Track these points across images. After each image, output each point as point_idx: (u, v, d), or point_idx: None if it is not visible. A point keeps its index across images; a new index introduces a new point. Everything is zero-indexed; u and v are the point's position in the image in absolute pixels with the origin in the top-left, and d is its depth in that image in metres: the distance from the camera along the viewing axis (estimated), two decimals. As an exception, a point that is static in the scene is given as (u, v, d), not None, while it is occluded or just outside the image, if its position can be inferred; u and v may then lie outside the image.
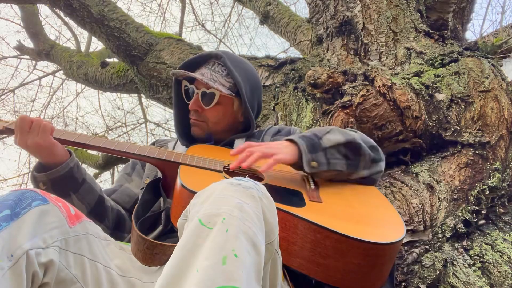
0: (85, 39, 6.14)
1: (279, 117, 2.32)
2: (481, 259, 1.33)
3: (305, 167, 1.12)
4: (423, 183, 1.63)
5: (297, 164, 1.15)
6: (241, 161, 1.07)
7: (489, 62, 1.89)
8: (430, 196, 1.58)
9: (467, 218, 1.47)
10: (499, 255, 1.33)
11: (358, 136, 1.24)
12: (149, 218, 1.18)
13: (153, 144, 1.54)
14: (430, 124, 1.77)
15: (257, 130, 1.47)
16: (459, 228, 1.45)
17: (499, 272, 1.28)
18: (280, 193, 1.08)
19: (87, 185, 1.22)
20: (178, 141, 1.48)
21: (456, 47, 2.09)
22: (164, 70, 3.03)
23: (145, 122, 7.46)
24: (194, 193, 0.85)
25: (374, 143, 1.27)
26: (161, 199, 1.24)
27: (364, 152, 1.21)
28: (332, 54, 2.49)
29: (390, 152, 1.80)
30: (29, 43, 5.25)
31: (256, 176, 1.20)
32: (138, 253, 1.00)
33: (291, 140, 1.17)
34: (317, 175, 1.18)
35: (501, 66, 2.03)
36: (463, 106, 1.79)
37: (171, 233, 1.17)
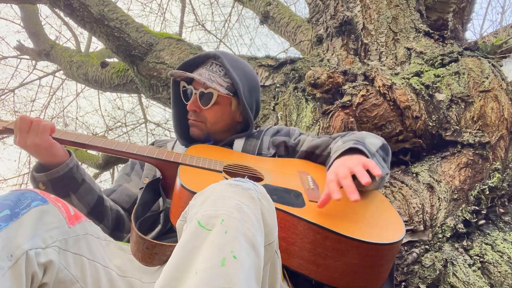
0: (85, 39, 6.15)
1: (279, 117, 2.32)
2: (481, 259, 1.33)
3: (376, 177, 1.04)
4: (423, 183, 1.63)
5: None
6: (351, 192, 0.96)
7: (489, 62, 1.89)
8: (430, 196, 1.58)
9: (467, 218, 1.47)
10: (499, 255, 1.33)
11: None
12: (149, 218, 1.18)
13: (152, 144, 1.54)
14: (430, 124, 1.77)
15: (256, 130, 1.47)
16: (459, 228, 1.45)
17: (499, 272, 1.28)
18: (280, 194, 1.08)
19: (86, 185, 1.22)
20: (177, 141, 1.48)
21: (456, 47, 2.09)
22: (164, 70, 3.03)
23: (145, 122, 7.47)
24: (194, 193, 0.85)
25: None
26: (161, 199, 1.24)
27: (390, 153, 1.21)
28: (332, 54, 2.49)
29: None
30: (29, 43, 5.26)
31: (255, 176, 1.20)
32: (138, 253, 1.00)
33: (353, 150, 1.11)
34: (369, 186, 1.09)
35: (501, 66, 2.03)
36: (463, 106, 1.79)
37: (170, 233, 1.17)
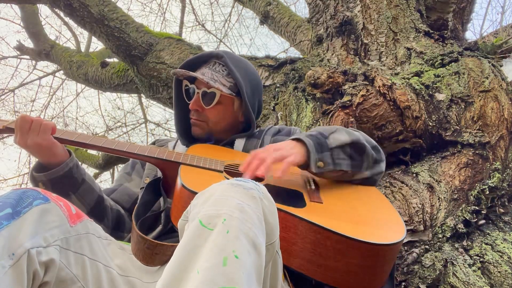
0: (85, 39, 6.15)
1: (279, 117, 2.32)
2: (481, 259, 1.33)
3: (312, 167, 1.11)
4: (423, 183, 1.63)
5: (304, 164, 1.13)
6: (254, 170, 1.05)
7: (489, 62, 1.89)
8: (430, 196, 1.58)
9: (467, 218, 1.47)
10: (499, 255, 1.33)
11: (361, 136, 1.24)
12: (149, 218, 1.18)
13: (153, 143, 1.54)
14: (430, 124, 1.77)
15: (257, 130, 1.47)
16: (459, 228, 1.45)
17: (499, 272, 1.28)
18: (281, 194, 1.08)
19: (86, 185, 1.22)
20: (179, 140, 1.48)
21: (456, 47, 2.09)
22: (164, 70, 3.03)
23: (145, 122, 7.46)
24: (195, 193, 0.85)
25: (375, 143, 1.27)
26: (161, 199, 1.24)
27: (368, 153, 1.21)
28: (332, 54, 2.49)
29: (390, 152, 1.80)
30: (29, 43, 5.26)
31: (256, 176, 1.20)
32: (138, 253, 1.00)
33: (298, 140, 1.16)
34: (321, 175, 1.17)
35: (501, 66, 2.03)
36: (463, 106, 1.79)
37: (171, 233, 1.17)
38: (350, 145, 1.19)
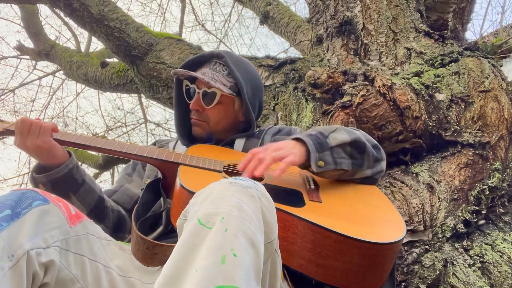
0: (85, 39, 6.14)
1: (279, 117, 2.32)
2: (481, 259, 1.33)
3: (313, 167, 1.11)
4: (423, 183, 1.63)
5: (304, 164, 1.13)
6: (252, 170, 1.04)
7: (489, 62, 1.89)
8: (430, 196, 1.58)
9: (467, 218, 1.47)
10: (499, 255, 1.33)
11: (361, 134, 1.24)
12: (149, 219, 1.18)
13: (154, 144, 1.54)
14: (430, 124, 1.77)
15: (257, 130, 1.47)
16: (459, 228, 1.45)
17: (499, 272, 1.28)
18: (280, 193, 1.08)
19: (86, 186, 1.22)
20: (179, 141, 1.48)
21: (456, 47, 2.09)
22: (164, 70, 3.03)
23: (145, 122, 7.46)
24: (193, 193, 0.85)
25: (376, 142, 1.27)
26: (161, 199, 1.24)
27: (368, 152, 1.20)
28: (332, 54, 2.49)
29: (390, 152, 1.80)
30: (29, 43, 5.26)
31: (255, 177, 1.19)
32: (138, 253, 1.00)
33: (298, 139, 1.15)
34: (321, 175, 1.17)
35: (501, 66, 2.03)
36: (463, 106, 1.79)
37: (171, 234, 1.17)
38: (351, 144, 1.18)
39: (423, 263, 1.36)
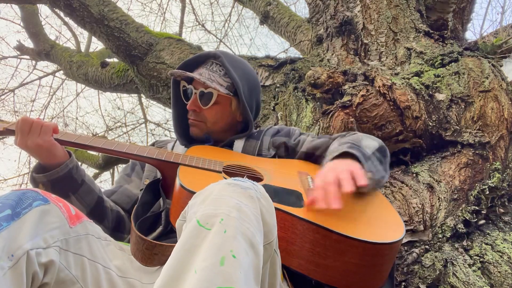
0: (85, 39, 6.14)
1: (279, 117, 2.32)
2: (481, 259, 1.33)
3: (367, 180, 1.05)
4: (423, 183, 1.63)
5: None
6: (334, 199, 0.96)
7: (489, 62, 1.89)
8: (430, 196, 1.58)
9: (467, 218, 1.47)
10: (499, 255, 1.33)
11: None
12: (148, 219, 1.18)
13: (153, 144, 1.54)
14: (430, 124, 1.77)
15: (256, 131, 1.47)
16: (459, 228, 1.45)
17: (499, 272, 1.28)
18: (279, 193, 1.08)
19: (86, 186, 1.22)
20: (177, 141, 1.48)
21: (456, 47, 2.09)
22: (164, 70, 3.03)
23: (145, 122, 7.46)
24: (193, 193, 0.85)
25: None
26: (161, 199, 1.24)
27: (388, 154, 1.21)
28: (332, 54, 2.49)
29: (390, 152, 1.79)
30: (29, 43, 5.26)
31: (255, 176, 1.20)
32: (137, 254, 1.00)
33: (347, 154, 1.11)
34: (363, 189, 1.09)
35: (501, 66, 2.03)
36: (463, 106, 1.79)
37: (171, 234, 1.17)
38: (378, 149, 1.18)
39: (423, 263, 1.36)
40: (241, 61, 1.45)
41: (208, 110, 1.37)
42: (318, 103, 1.95)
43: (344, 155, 1.12)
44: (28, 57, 5.77)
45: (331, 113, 1.80)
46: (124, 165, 1.62)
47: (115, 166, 6.00)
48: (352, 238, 0.93)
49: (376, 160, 1.16)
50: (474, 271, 1.31)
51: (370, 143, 1.18)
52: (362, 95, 1.75)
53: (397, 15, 2.37)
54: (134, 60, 3.14)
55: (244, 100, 1.35)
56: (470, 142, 1.70)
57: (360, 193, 1.19)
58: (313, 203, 0.98)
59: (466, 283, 1.27)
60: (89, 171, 5.97)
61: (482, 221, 1.49)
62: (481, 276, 1.29)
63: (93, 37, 5.03)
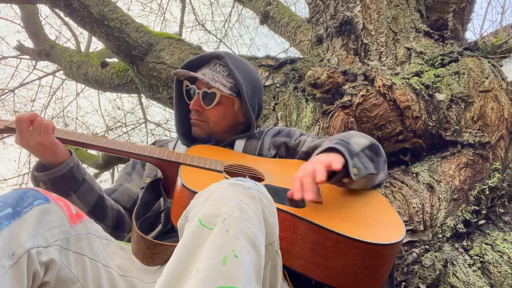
0: (85, 39, 6.15)
1: (279, 117, 2.32)
2: (481, 259, 1.34)
3: (351, 175, 1.06)
4: (423, 183, 1.63)
5: (340, 172, 1.07)
6: (307, 191, 0.97)
7: (489, 62, 1.89)
8: (430, 196, 1.58)
9: (467, 218, 1.47)
10: (499, 255, 1.33)
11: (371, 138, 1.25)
12: (149, 218, 1.18)
13: (154, 144, 1.54)
14: (430, 124, 1.77)
15: (257, 131, 1.47)
16: (459, 228, 1.45)
17: (499, 272, 1.28)
18: (281, 194, 1.08)
19: (87, 185, 1.22)
20: (179, 141, 1.48)
21: (456, 47, 2.09)
22: (164, 70, 3.03)
23: (145, 122, 7.46)
24: (195, 193, 0.85)
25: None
26: (161, 199, 1.24)
27: (382, 153, 1.21)
28: (332, 54, 2.49)
29: (390, 152, 1.80)
30: (29, 43, 5.25)
31: (256, 176, 1.20)
32: (138, 253, 1.00)
33: (330, 149, 1.12)
34: (352, 184, 1.12)
35: (501, 66, 2.03)
36: (463, 106, 1.79)
37: (171, 233, 1.17)
38: (369, 147, 1.18)
39: (423, 263, 1.36)
40: (244, 63, 1.45)
41: (210, 110, 1.37)
42: (318, 103, 1.95)
43: (330, 150, 1.13)
44: (28, 57, 5.77)
45: (331, 113, 1.80)
46: (124, 165, 1.63)
47: (115, 166, 6.00)
48: (353, 239, 0.93)
49: (365, 157, 1.15)
50: (474, 271, 1.31)
51: (360, 140, 1.18)
52: (362, 95, 1.75)
53: (397, 15, 2.37)
54: (134, 60, 3.14)
55: (247, 101, 1.35)
56: (470, 142, 1.70)
57: (360, 194, 1.19)
58: (292, 195, 1.00)
59: (466, 283, 1.27)
60: (89, 171, 5.95)
61: (482, 221, 1.49)
62: (481, 276, 1.29)
63: (93, 37, 5.03)
